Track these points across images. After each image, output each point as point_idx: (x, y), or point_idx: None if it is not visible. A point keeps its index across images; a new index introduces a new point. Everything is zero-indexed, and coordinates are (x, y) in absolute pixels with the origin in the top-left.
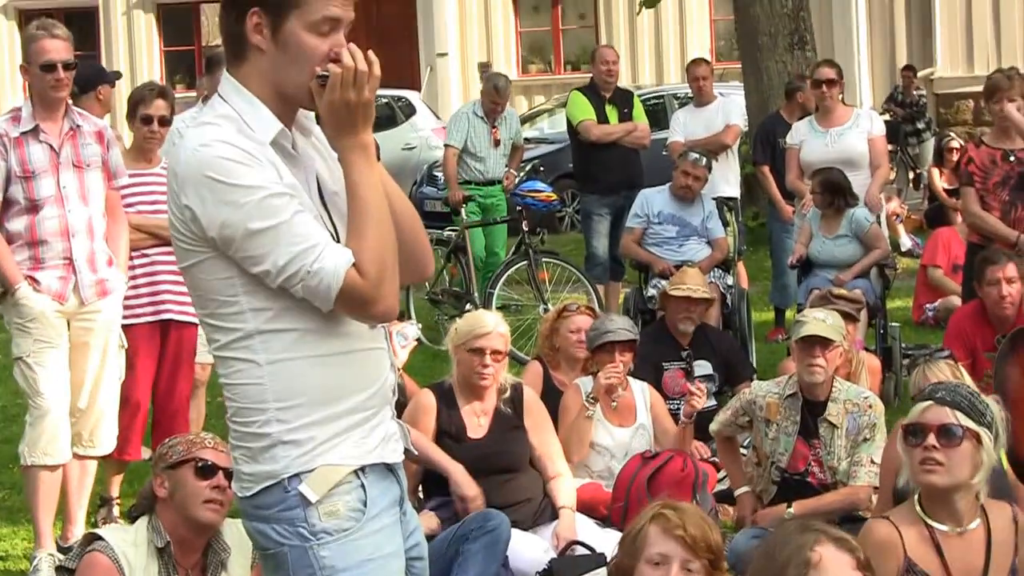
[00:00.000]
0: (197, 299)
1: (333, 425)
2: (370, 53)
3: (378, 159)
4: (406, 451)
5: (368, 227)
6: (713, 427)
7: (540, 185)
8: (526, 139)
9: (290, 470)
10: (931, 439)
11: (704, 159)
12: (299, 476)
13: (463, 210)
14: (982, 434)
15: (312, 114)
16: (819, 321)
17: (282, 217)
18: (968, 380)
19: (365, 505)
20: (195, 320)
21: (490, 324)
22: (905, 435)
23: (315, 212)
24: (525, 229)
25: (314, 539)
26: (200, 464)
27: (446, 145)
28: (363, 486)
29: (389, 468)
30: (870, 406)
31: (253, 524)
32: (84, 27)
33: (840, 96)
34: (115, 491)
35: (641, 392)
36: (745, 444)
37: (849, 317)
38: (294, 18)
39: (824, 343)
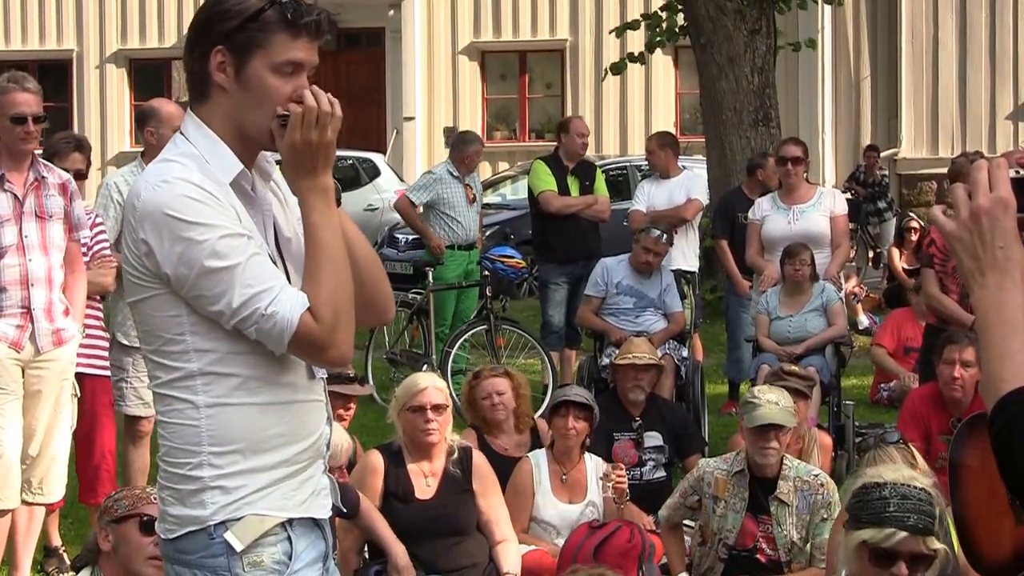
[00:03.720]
0: (143, 334)
1: (265, 475)
2: (330, 96)
3: (338, 204)
4: (343, 512)
5: (325, 271)
6: (662, 513)
7: (510, 251)
8: (489, 205)
9: (217, 517)
10: (902, 568)
11: (665, 236)
12: (225, 524)
13: (429, 273)
14: (941, 551)
15: (273, 158)
16: (772, 405)
17: (239, 258)
18: (921, 462)
19: (290, 558)
20: (106, 372)
21: (425, 380)
22: (872, 556)
23: (271, 255)
24: (488, 294)
25: None
26: (145, 520)
27: (407, 197)
28: (289, 538)
29: (316, 523)
30: (822, 484)
31: (174, 568)
32: (57, 79)
33: (804, 174)
34: (56, 540)
35: (594, 468)
36: (694, 520)
37: (800, 394)
38: (258, 58)
39: (778, 427)
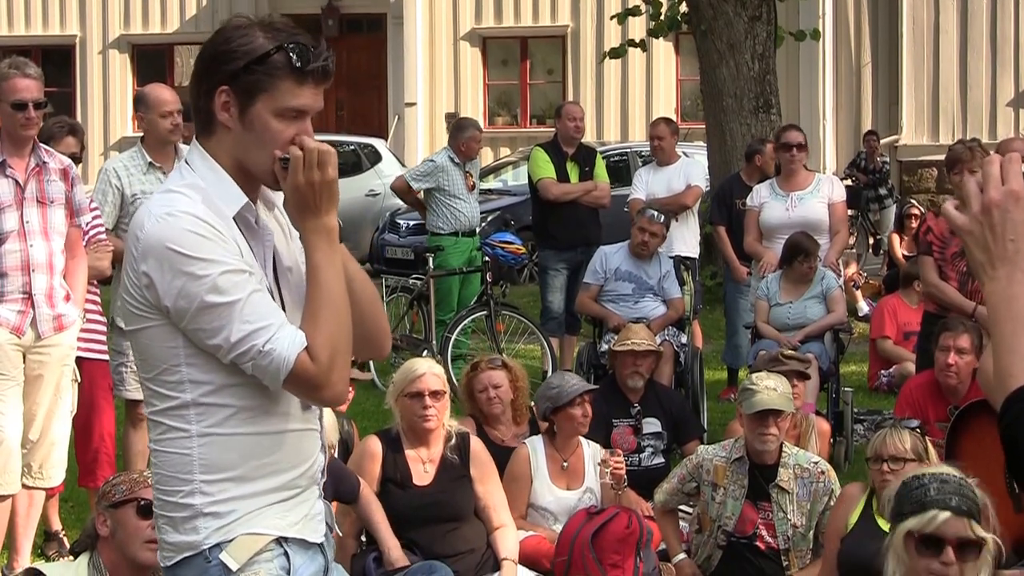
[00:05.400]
0: (141, 362)
1: (256, 500)
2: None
3: (341, 240)
4: (344, 499)
5: (324, 312)
6: (659, 498)
7: (510, 237)
8: (490, 191)
9: (210, 541)
10: (949, 554)
11: (661, 216)
12: (220, 546)
13: (430, 259)
14: (989, 540)
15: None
16: (770, 391)
17: (239, 295)
18: (933, 454)
19: (288, 573)
20: (103, 356)
21: (423, 366)
22: (919, 544)
23: (269, 287)
24: (488, 280)
25: None
26: (142, 504)
27: (405, 181)
28: (286, 554)
29: (311, 544)
30: (822, 472)
31: None
32: (60, 64)
33: (805, 161)
34: (56, 524)
35: (592, 455)
36: (691, 507)
37: (800, 375)
38: (261, 102)
39: (776, 413)
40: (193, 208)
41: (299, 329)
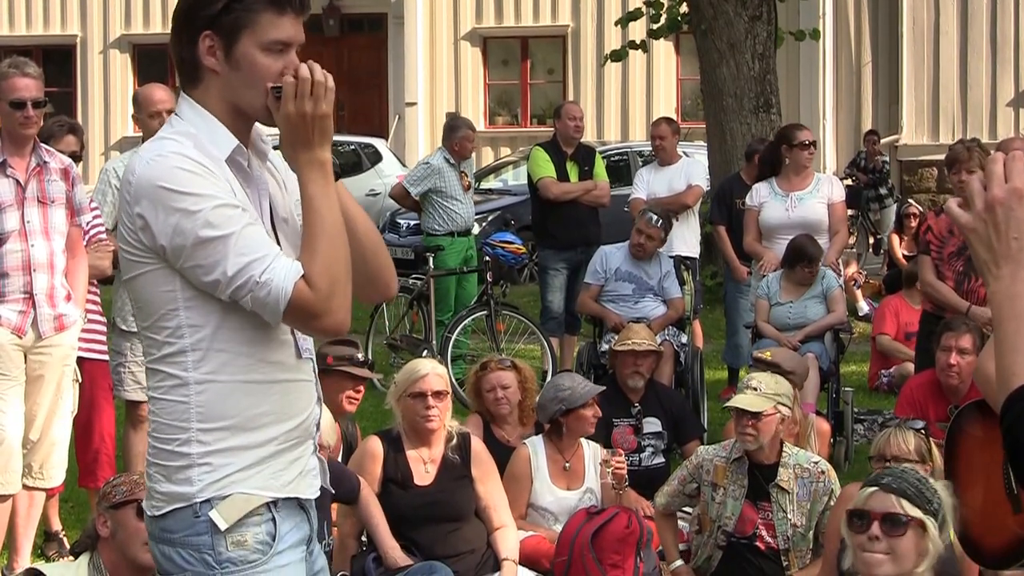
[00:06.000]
0: (138, 311)
1: (252, 452)
2: (324, 70)
3: (337, 179)
4: (337, 496)
5: (320, 241)
6: (659, 500)
7: (510, 236)
8: (490, 190)
9: (204, 494)
10: (875, 528)
11: (659, 219)
12: (210, 502)
13: (430, 259)
14: (927, 522)
15: (270, 139)
16: (750, 391)
17: (233, 227)
18: (937, 455)
19: (274, 539)
20: (104, 357)
21: (426, 367)
22: (850, 519)
23: (266, 229)
24: (489, 280)
25: (218, 567)
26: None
27: (404, 188)
28: (274, 520)
29: (302, 506)
30: (822, 472)
31: (159, 547)
32: (61, 64)
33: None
34: (56, 524)
35: (592, 455)
36: (691, 509)
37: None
38: (246, 39)
39: (752, 414)
40: (183, 149)
41: (296, 260)
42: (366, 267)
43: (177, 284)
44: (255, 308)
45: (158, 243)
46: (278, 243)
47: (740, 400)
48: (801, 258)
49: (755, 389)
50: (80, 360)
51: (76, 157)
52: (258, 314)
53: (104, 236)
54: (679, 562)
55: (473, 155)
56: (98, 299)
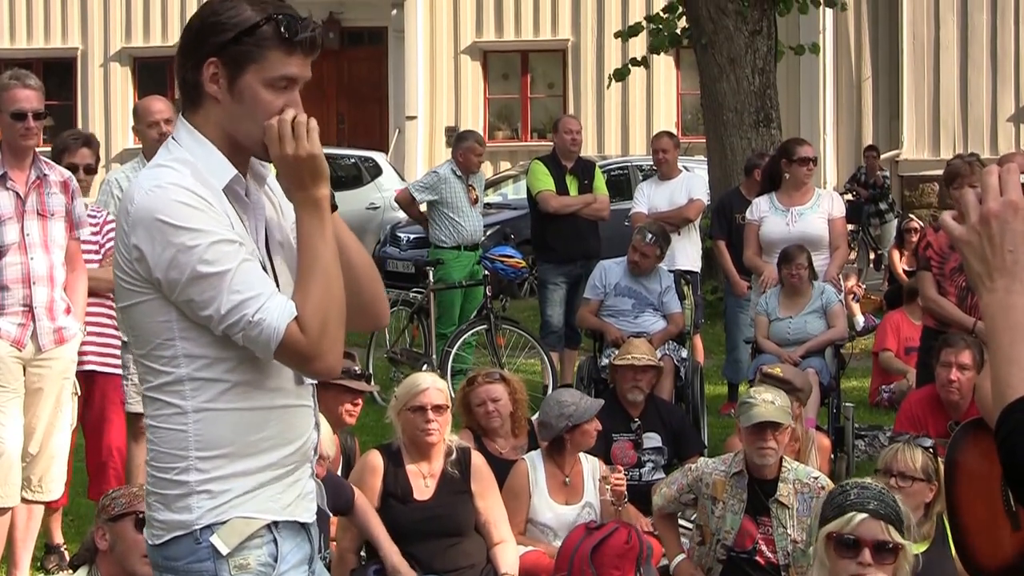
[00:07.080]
0: (134, 339)
1: (251, 478)
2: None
3: (334, 210)
4: (335, 511)
5: (314, 282)
6: (656, 501)
7: (511, 251)
8: (490, 204)
9: (203, 521)
10: (866, 555)
11: (654, 237)
12: (211, 527)
13: (430, 272)
14: (907, 546)
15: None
16: (768, 404)
17: (229, 264)
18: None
19: (276, 560)
20: (117, 371)
21: (427, 381)
22: (837, 545)
23: (261, 261)
24: (488, 294)
25: None
26: (141, 517)
27: (409, 192)
28: (275, 540)
29: (302, 526)
30: (822, 487)
31: (162, 575)
32: (61, 77)
33: None
34: (58, 537)
35: (591, 470)
36: (692, 519)
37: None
38: (251, 72)
39: (774, 426)
40: (182, 180)
41: (290, 299)
42: (359, 297)
43: (173, 315)
44: (247, 345)
45: (154, 275)
46: (273, 268)
47: (766, 412)
48: (782, 262)
49: (772, 403)
50: (93, 374)
51: (91, 169)
52: None
53: None
54: (681, 556)
55: (482, 170)
56: (113, 312)
